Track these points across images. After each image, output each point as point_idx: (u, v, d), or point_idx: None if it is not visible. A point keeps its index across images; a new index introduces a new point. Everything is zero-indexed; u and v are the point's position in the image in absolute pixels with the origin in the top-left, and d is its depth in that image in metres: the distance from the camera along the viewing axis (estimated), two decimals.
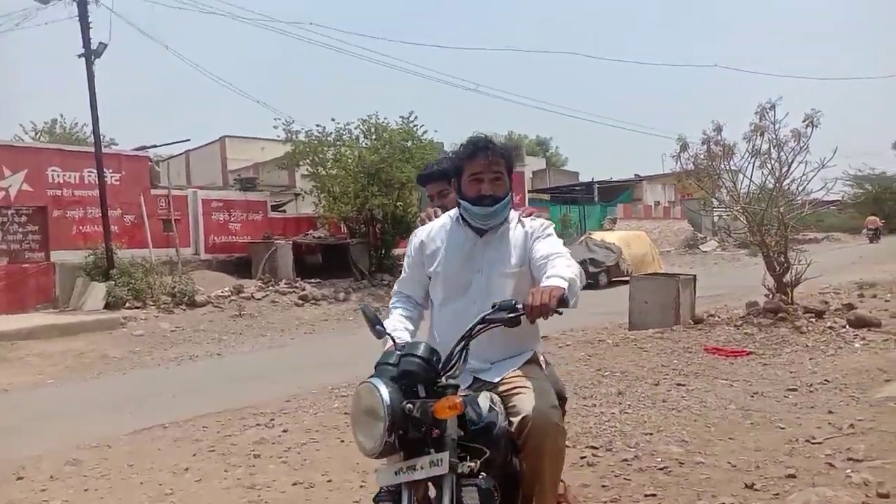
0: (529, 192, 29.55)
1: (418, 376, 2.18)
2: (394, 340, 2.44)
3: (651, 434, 4.96)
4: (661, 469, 4.21)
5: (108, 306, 14.54)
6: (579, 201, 33.98)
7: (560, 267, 2.40)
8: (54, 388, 8.87)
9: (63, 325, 12.83)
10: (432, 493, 2.19)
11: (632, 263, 20.55)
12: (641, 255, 21.40)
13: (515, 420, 2.37)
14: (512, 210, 2.79)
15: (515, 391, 2.46)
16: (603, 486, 3.98)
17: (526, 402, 2.40)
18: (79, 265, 15.83)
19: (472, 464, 2.13)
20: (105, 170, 16.21)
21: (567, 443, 4.70)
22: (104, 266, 15.45)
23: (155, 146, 23.16)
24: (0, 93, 61.66)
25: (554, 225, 2.80)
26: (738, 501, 3.64)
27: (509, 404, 2.42)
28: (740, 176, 10.33)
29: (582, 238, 23.21)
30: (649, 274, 12.96)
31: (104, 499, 4.32)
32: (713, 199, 11.62)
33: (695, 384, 6.45)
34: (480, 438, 2.22)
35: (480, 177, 2.61)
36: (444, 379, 2.23)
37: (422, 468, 2.10)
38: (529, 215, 2.84)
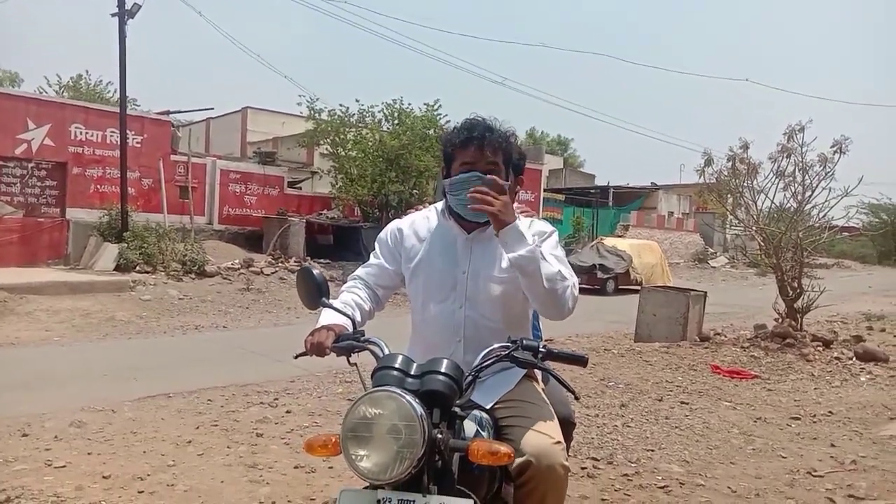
0: (545, 190, 29.43)
1: (444, 399, 1.86)
2: (354, 322, 2.18)
3: (653, 451, 4.96)
4: (661, 487, 4.22)
5: (118, 268, 14.64)
6: (593, 205, 33.86)
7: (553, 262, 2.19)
8: (60, 347, 8.94)
9: (73, 283, 12.91)
10: None
11: (641, 273, 20.51)
12: (651, 265, 21.35)
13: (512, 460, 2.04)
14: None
15: (511, 423, 2.17)
16: (602, 500, 3.99)
17: (527, 442, 2.09)
18: (93, 224, 15.95)
19: None
20: (127, 131, 16.26)
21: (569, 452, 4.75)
22: (118, 227, 15.56)
23: (179, 112, 23.23)
24: (29, 44, 61.80)
25: (557, 231, 2.49)
26: None
27: (506, 436, 2.14)
28: (762, 196, 10.27)
29: (593, 243, 23.17)
30: (660, 286, 12.92)
31: (107, 464, 4.35)
32: (733, 217, 11.54)
33: (699, 403, 6.45)
34: (462, 470, 1.91)
35: (471, 165, 2.28)
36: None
37: None
38: (523, 213, 2.56)
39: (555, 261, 2.21)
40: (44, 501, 3.72)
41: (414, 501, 1.75)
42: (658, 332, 9.75)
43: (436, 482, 1.81)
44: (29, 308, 11.16)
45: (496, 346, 2.08)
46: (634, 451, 4.92)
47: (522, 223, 2.42)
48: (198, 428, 5.22)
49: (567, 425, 2.61)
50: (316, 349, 2.15)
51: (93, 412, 5.56)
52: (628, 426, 5.58)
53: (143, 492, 3.91)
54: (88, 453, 4.57)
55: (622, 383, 7.14)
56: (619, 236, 28.36)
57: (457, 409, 1.92)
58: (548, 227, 2.46)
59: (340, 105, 19.80)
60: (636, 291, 13.15)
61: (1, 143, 15.57)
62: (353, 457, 1.77)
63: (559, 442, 2.14)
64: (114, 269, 14.58)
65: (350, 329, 2.21)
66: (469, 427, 1.99)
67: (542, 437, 2.10)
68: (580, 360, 2.11)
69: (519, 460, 2.06)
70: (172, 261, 15.33)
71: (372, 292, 2.51)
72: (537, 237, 2.35)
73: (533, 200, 25.78)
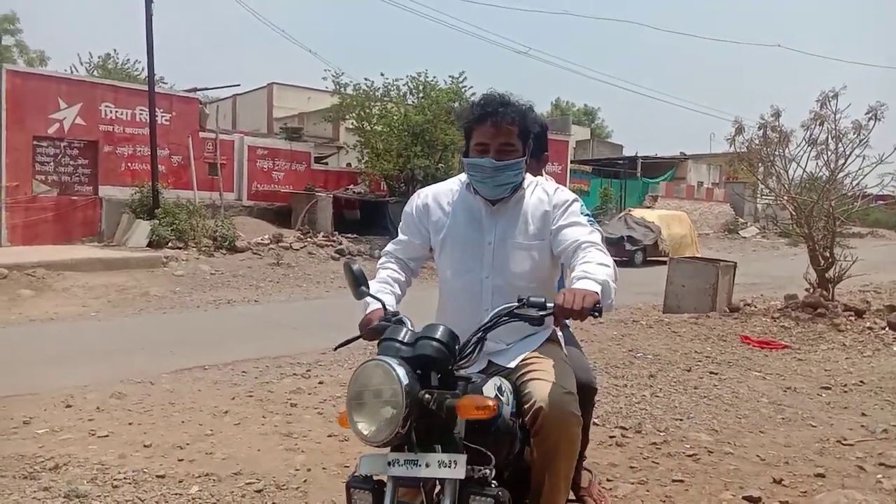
0: (571, 162, 29.21)
1: (436, 363, 1.95)
2: (384, 305, 2.21)
3: (681, 420, 4.99)
4: (689, 456, 4.25)
5: (150, 244, 14.90)
6: (621, 175, 33.51)
7: (593, 265, 2.17)
8: (97, 322, 9.18)
9: (107, 260, 13.19)
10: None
11: (670, 244, 20.36)
12: (680, 236, 21.17)
13: (528, 408, 2.18)
14: (530, 175, 2.55)
15: (530, 377, 2.27)
16: (631, 468, 4.04)
17: (540, 390, 2.19)
18: (125, 201, 16.23)
19: (487, 470, 1.93)
20: (156, 109, 16.44)
21: (596, 420, 4.81)
22: (149, 204, 15.81)
23: (206, 89, 23.38)
24: (57, 23, 62.43)
25: (580, 199, 2.51)
26: (766, 496, 3.67)
27: (524, 391, 2.23)
28: (793, 164, 10.11)
29: (621, 214, 23.02)
30: (689, 257, 12.83)
31: (147, 434, 4.50)
32: (764, 186, 11.38)
33: (728, 373, 6.45)
34: (480, 433, 2.00)
35: (486, 146, 2.33)
36: (456, 369, 2.03)
37: (427, 466, 1.88)
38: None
39: (598, 265, 2.17)
40: (89, 469, 3.86)
41: (416, 460, 1.89)
42: (687, 303, 9.72)
43: (440, 442, 1.91)
44: (66, 284, 11.44)
45: (503, 305, 2.11)
46: (663, 421, 4.95)
47: (548, 186, 2.54)
48: (234, 399, 5.36)
49: (588, 391, 2.70)
50: (365, 336, 2.24)
51: (132, 384, 5.73)
52: (657, 396, 5.61)
53: (182, 460, 4.05)
54: (129, 423, 4.73)
55: (650, 354, 7.16)
56: (648, 207, 28.12)
57: (462, 372, 2.03)
58: (569, 196, 2.49)
59: (365, 79, 19.81)
60: (664, 263, 13.09)
61: (34, 122, 15.84)
62: (355, 423, 1.89)
63: (571, 393, 2.23)
64: (146, 246, 14.84)
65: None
66: (488, 392, 2.06)
67: (554, 387, 2.19)
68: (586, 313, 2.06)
69: (531, 407, 2.16)
70: (203, 237, 15.56)
71: (404, 264, 2.58)
72: (557, 208, 2.42)
73: (560, 172, 25.62)
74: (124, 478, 3.74)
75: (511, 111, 2.31)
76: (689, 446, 4.42)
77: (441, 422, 1.90)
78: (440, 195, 2.54)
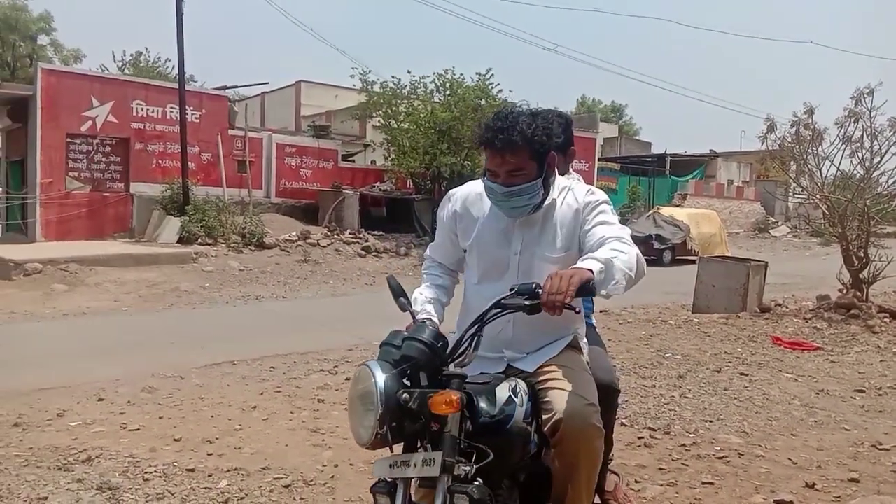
0: (599, 160, 28.98)
1: (420, 363, 1.99)
2: (413, 318, 2.24)
3: (711, 421, 4.93)
4: (719, 458, 4.19)
5: (181, 240, 15.10)
6: (650, 173, 33.19)
7: (605, 249, 2.09)
8: (128, 316, 9.32)
9: (138, 255, 13.40)
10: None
11: (699, 243, 20.13)
12: (710, 235, 20.92)
13: (548, 419, 2.16)
14: (564, 178, 2.50)
15: (550, 385, 2.23)
16: (660, 469, 4.00)
17: (559, 401, 2.16)
18: (155, 198, 16.47)
19: (468, 467, 1.90)
20: (186, 107, 16.63)
21: (624, 421, 4.77)
22: (179, 201, 16.02)
23: (235, 87, 23.62)
24: (92, 23, 63.47)
25: (609, 200, 2.44)
26: (798, 500, 3.61)
27: (543, 399, 2.22)
28: (827, 162, 9.93)
29: (650, 213, 22.81)
30: (719, 257, 12.67)
31: (177, 428, 4.56)
32: (796, 185, 11.19)
33: (758, 375, 6.35)
34: (491, 434, 2.01)
35: (496, 171, 2.26)
36: (451, 367, 2.04)
37: (414, 465, 1.92)
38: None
39: (610, 249, 2.10)
40: (121, 462, 3.92)
41: (410, 460, 1.94)
42: (717, 303, 9.59)
43: (433, 444, 1.95)
44: (98, 279, 11.64)
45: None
46: (692, 422, 4.89)
47: (579, 190, 2.44)
48: (262, 394, 5.40)
49: (610, 392, 2.65)
50: None
51: (162, 378, 5.80)
52: (686, 397, 5.54)
53: (212, 454, 4.09)
54: (160, 417, 4.79)
55: (679, 354, 7.08)
56: (677, 206, 27.82)
57: (455, 371, 2.03)
58: (599, 196, 2.41)
59: (392, 77, 19.86)
60: (693, 262, 12.93)
61: (68, 120, 16.12)
62: (353, 427, 2.02)
63: (592, 404, 2.21)
64: (177, 242, 15.05)
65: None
66: (501, 393, 2.10)
67: (575, 398, 2.16)
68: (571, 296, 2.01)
69: (551, 418, 2.15)
70: (232, 233, 15.73)
71: (445, 268, 2.61)
72: (586, 209, 2.35)
73: (587, 170, 25.43)
74: (155, 471, 3.79)
75: (518, 134, 2.19)
76: (718, 448, 4.36)
77: (425, 420, 1.93)
78: (469, 200, 2.48)
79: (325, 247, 16.42)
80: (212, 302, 10.55)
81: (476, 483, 1.89)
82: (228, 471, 3.83)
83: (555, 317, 1.99)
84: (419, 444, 2.02)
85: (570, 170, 3.14)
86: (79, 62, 29.01)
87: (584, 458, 2.17)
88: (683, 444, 4.41)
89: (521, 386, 2.16)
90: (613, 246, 2.10)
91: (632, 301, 10.08)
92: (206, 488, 3.61)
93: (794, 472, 4.02)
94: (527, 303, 1.98)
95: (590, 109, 49.53)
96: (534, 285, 1.98)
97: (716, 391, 5.74)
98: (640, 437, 4.51)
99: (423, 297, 2.45)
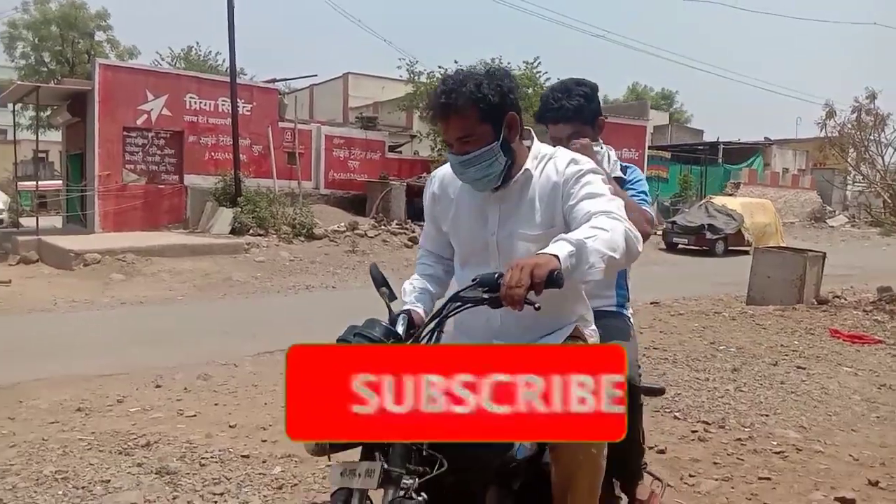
0: (649, 147, 28.47)
1: None
2: (389, 309, 2.08)
3: (767, 416, 4.81)
4: (776, 453, 4.09)
5: (233, 231, 15.39)
6: (702, 162, 32.47)
7: (584, 228, 1.80)
8: (183, 305, 9.56)
9: (192, 246, 13.71)
10: None
11: (753, 233, 19.65)
12: (764, 225, 20.42)
13: None
14: (546, 147, 2.19)
15: None
16: (714, 463, 3.92)
17: None
18: (208, 190, 16.80)
19: (410, 480, 1.72)
20: (237, 100, 16.91)
21: (678, 414, 4.69)
22: (232, 193, 16.32)
23: (284, 79, 23.91)
24: (144, 18, 65.00)
25: (597, 169, 2.09)
26: (861, 498, 3.50)
27: None
28: (889, 150, 9.59)
29: (702, 202, 22.35)
30: (774, 247, 12.35)
31: (232, 414, 4.66)
32: (856, 172, 10.84)
33: (816, 368, 6.17)
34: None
35: (449, 140, 2.05)
36: None
37: (359, 476, 1.74)
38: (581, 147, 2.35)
39: (589, 227, 1.81)
40: (178, 447, 4.03)
41: (357, 469, 1.75)
42: (772, 294, 9.36)
43: (382, 453, 1.75)
44: (153, 269, 11.95)
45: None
46: (748, 416, 4.78)
47: (561, 158, 2.12)
48: None
49: (630, 391, 2.35)
50: None
51: (217, 366, 5.93)
52: (741, 390, 5.42)
53: (266, 441, 4.17)
54: (215, 404, 4.90)
55: (733, 347, 6.93)
56: (730, 195, 27.20)
57: None
58: (583, 165, 2.06)
59: (439, 67, 19.80)
60: (747, 253, 12.66)
61: (124, 114, 16.55)
62: None
63: None
64: (229, 233, 15.34)
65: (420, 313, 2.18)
66: None
67: None
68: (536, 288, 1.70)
69: None
70: (283, 224, 15.96)
71: (436, 256, 2.38)
72: (568, 182, 2.03)
73: (637, 158, 25.01)
74: (211, 456, 3.88)
75: (461, 95, 1.94)
76: (775, 443, 4.26)
77: None
78: (447, 180, 2.24)
79: (372, 237, 16.54)
80: (263, 291, 10.74)
81: (417, 499, 1.70)
82: (282, 457, 3.89)
83: (551, 300, 1.77)
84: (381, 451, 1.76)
85: (601, 142, 2.82)
86: (134, 58, 29.70)
87: (584, 465, 1.95)
88: (739, 439, 4.32)
89: None
90: (595, 223, 1.81)
91: (683, 292, 9.92)
92: (260, 474, 3.68)
93: (856, 469, 3.90)
94: (485, 296, 1.77)
95: (639, 97, 48.66)
96: (496, 275, 1.75)
97: (772, 385, 5.60)
98: (693, 431, 4.43)
99: (410, 287, 2.27)
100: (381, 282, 2.18)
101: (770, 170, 35.02)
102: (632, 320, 2.78)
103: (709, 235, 19.09)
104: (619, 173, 2.72)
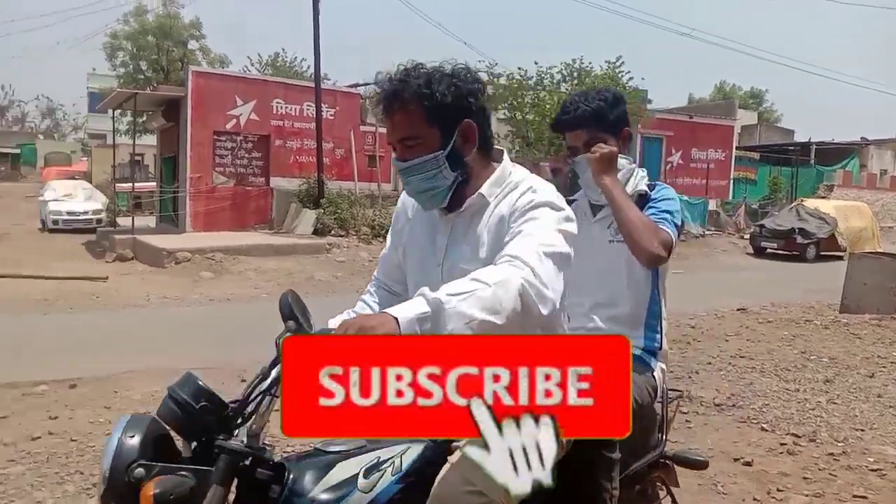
0: (737, 148, 27.52)
1: (172, 429, 1.56)
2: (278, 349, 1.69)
3: (863, 430, 4.58)
4: (873, 470, 3.89)
5: (315, 232, 15.77)
6: (792, 163, 31.15)
7: (461, 282, 1.42)
8: (268, 303, 9.82)
9: (277, 246, 14.14)
10: None
11: (847, 238, 18.71)
12: (859, 229, 19.41)
13: None
14: (519, 173, 1.81)
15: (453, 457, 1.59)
16: (804, 479, 3.76)
17: (439, 481, 1.55)
18: (292, 192, 17.26)
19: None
20: (322, 105, 17.33)
21: (765, 426, 4.52)
22: (315, 195, 16.72)
23: (366, 84, 24.27)
24: (234, 27, 67.54)
25: (554, 204, 1.69)
26: None
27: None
28: None
29: (793, 205, 21.43)
30: (871, 252, 11.73)
31: None
32: None
33: None
34: None
35: (392, 143, 1.76)
36: (235, 433, 1.56)
37: None
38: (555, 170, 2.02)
39: (488, 275, 1.44)
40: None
41: None
42: (868, 302, 8.89)
43: None
44: (240, 268, 12.39)
45: None
46: (841, 430, 4.57)
47: (526, 186, 1.75)
48: None
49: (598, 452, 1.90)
50: None
51: None
52: (833, 403, 5.18)
53: None
54: None
55: (826, 357, 6.63)
56: (822, 197, 25.98)
57: (231, 444, 1.56)
58: (539, 197, 1.69)
59: (519, 68, 19.75)
60: (840, 258, 12.08)
61: (215, 119, 17.22)
62: None
63: (479, 493, 1.46)
64: (312, 233, 15.73)
65: None
66: (342, 471, 1.62)
67: (455, 479, 1.53)
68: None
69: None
70: (363, 225, 16.26)
71: (385, 291, 2.08)
72: (514, 216, 1.67)
73: (724, 159, 24.30)
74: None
75: (408, 87, 1.65)
76: (872, 460, 4.05)
77: None
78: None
79: None
80: (344, 291, 10.96)
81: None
82: None
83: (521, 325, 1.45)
84: None
85: (629, 157, 2.44)
86: (225, 66, 30.84)
87: None
88: (831, 454, 4.13)
89: (401, 461, 1.59)
90: (482, 274, 1.44)
91: (771, 298, 9.55)
92: None
93: None
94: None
95: (727, 96, 47.12)
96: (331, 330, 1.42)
97: (868, 398, 5.33)
98: (782, 444, 4.27)
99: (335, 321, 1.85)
100: (288, 314, 1.79)
101: (867, 171, 33.29)
102: (659, 376, 2.26)
103: (799, 240, 18.27)
104: (643, 188, 2.37)
